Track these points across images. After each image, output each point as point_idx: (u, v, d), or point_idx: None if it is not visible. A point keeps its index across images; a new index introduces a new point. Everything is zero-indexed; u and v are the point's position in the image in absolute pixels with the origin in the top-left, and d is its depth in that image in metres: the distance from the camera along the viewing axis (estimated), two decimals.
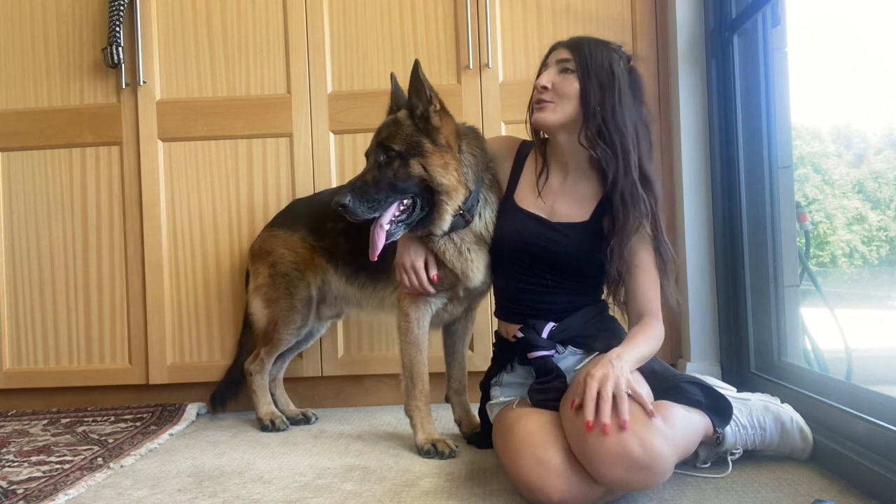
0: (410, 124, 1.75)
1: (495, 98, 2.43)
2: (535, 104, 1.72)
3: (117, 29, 2.47)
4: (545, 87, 1.70)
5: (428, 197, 1.73)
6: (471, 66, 2.46)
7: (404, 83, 2.45)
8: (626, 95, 1.68)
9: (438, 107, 1.77)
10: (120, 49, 2.47)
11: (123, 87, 2.53)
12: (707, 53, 2.33)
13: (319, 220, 2.23)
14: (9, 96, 2.58)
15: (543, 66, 1.75)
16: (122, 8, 2.48)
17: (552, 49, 1.76)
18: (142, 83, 2.51)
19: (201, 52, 2.54)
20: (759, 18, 2.15)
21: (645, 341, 1.60)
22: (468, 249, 1.81)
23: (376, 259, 1.72)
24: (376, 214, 1.70)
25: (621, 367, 1.45)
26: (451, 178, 1.72)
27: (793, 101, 2.18)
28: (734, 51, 2.23)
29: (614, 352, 1.51)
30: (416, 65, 1.76)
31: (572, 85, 1.68)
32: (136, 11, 2.50)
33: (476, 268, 1.83)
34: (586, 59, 1.68)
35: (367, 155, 1.79)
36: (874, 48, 2.55)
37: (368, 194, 1.68)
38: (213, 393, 2.38)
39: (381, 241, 1.70)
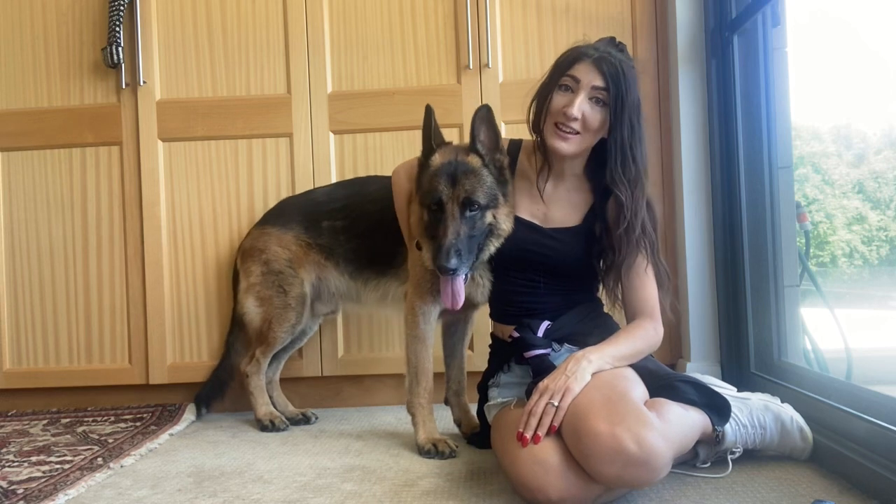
0: (488, 175, 1.72)
1: (495, 98, 2.43)
2: (559, 128, 1.64)
3: (117, 29, 2.47)
4: (576, 118, 1.61)
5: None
6: (471, 66, 2.46)
7: (404, 82, 2.49)
8: (644, 124, 1.67)
9: (509, 160, 1.76)
10: (120, 49, 2.48)
11: (123, 87, 2.53)
12: (707, 53, 2.33)
13: (314, 218, 2.24)
14: (9, 96, 2.58)
15: (570, 78, 1.63)
16: (122, 8, 2.48)
17: (578, 58, 1.63)
18: (142, 83, 2.51)
19: (201, 52, 2.54)
20: (759, 18, 2.15)
21: (629, 340, 1.61)
22: (480, 276, 1.83)
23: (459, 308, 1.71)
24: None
25: (575, 370, 1.48)
26: (510, 224, 1.73)
27: (793, 101, 2.19)
28: (734, 51, 2.22)
29: (582, 352, 1.54)
30: (488, 109, 1.73)
31: (601, 118, 1.63)
32: (136, 11, 2.50)
33: (482, 292, 1.85)
34: (623, 95, 1.60)
35: (440, 201, 1.69)
36: (874, 47, 2.55)
37: (465, 252, 1.66)
38: (198, 393, 2.38)
39: (463, 290, 1.71)
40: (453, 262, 1.62)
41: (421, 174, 1.79)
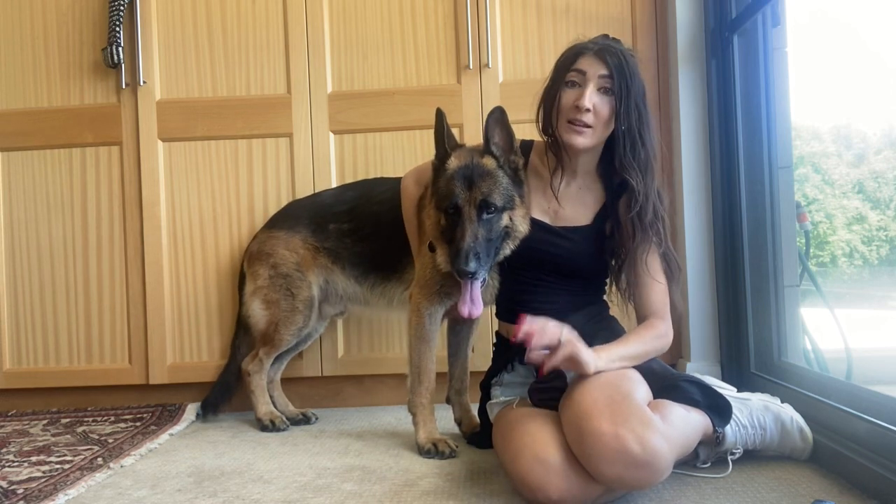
0: (504, 177, 1.71)
1: (495, 98, 2.43)
2: (572, 123, 1.63)
3: (117, 29, 2.47)
4: (588, 110, 1.61)
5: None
6: (471, 66, 2.46)
7: (404, 82, 2.49)
8: (650, 110, 1.67)
9: (524, 160, 1.76)
10: (120, 49, 2.47)
11: (123, 87, 2.53)
12: (707, 53, 2.33)
13: (321, 221, 2.24)
14: (9, 96, 2.58)
15: (576, 72, 1.64)
16: (122, 8, 2.48)
17: (580, 52, 1.65)
18: (142, 83, 2.51)
19: (201, 52, 2.54)
20: (759, 18, 2.15)
21: (638, 341, 1.61)
22: (490, 277, 1.82)
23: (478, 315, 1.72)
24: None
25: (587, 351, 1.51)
26: (527, 226, 1.72)
27: (793, 101, 2.18)
28: (734, 51, 2.22)
29: (594, 349, 1.54)
30: (502, 111, 1.71)
31: (610, 107, 1.64)
32: (136, 11, 2.50)
33: (491, 293, 1.85)
34: (628, 81, 1.61)
35: (457, 205, 1.69)
36: (874, 47, 2.55)
37: (483, 255, 1.65)
38: (206, 398, 2.37)
39: (481, 299, 1.71)
40: (472, 266, 1.62)
41: (437, 178, 1.77)
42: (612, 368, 1.53)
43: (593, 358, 1.50)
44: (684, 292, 2.34)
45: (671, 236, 1.74)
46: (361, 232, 2.19)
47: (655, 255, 1.67)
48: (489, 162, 1.71)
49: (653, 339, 1.63)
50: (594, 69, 1.62)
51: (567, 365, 1.49)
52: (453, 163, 1.74)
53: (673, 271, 1.69)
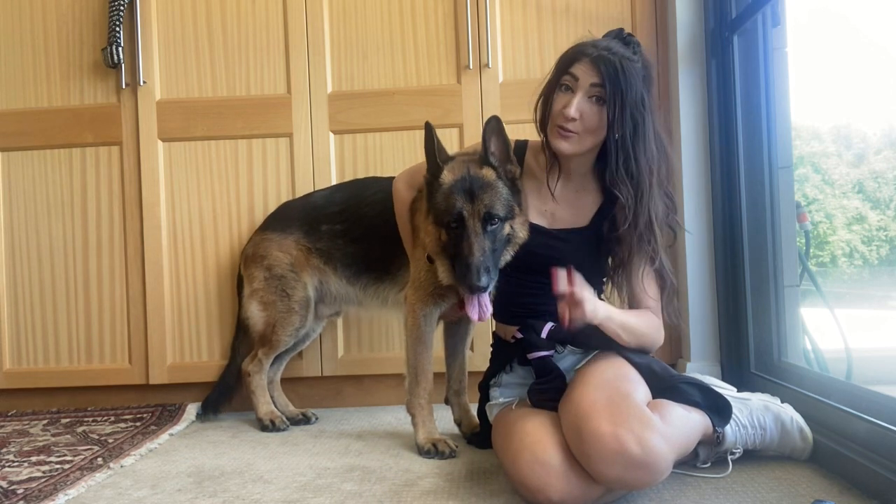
0: (503, 187, 1.69)
1: (495, 98, 2.43)
2: (559, 128, 1.63)
3: (117, 29, 2.47)
4: (573, 118, 1.60)
5: None
6: (471, 66, 2.46)
7: (404, 82, 2.49)
8: (652, 124, 1.64)
9: (521, 170, 1.75)
10: (120, 49, 2.47)
11: (123, 87, 2.53)
12: (707, 53, 2.33)
13: (313, 222, 2.24)
14: (9, 96, 2.58)
15: (569, 75, 1.62)
16: (122, 8, 2.48)
17: (577, 57, 1.62)
18: (142, 83, 2.51)
19: (201, 52, 2.54)
20: (759, 18, 2.15)
21: (637, 317, 1.63)
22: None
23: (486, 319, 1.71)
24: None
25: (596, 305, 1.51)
26: (526, 232, 1.72)
27: (793, 101, 2.18)
28: (734, 51, 2.22)
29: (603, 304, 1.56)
30: (498, 120, 1.69)
31: (601, 117, 1.61)
32: (136, 11, 2.50)
33: (491, 298, 1.84)
34: (623, 91, 1.58)
35: (461, 218, 1.66)
36: (874, 47, 2.55)
37: (492, 267, 1.65)
38: (207, 398, 2.38)
39: (490, 302, 1.70)
40: (484, 281, 1.61)
41: (433, 193, 1.74)
42: (607, 326, 1.54)
43: (594, 305, 1.49)
44: (684, 292, 2.34)
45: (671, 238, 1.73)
46: (353, 233, 2.19)
47: (650, 273, 1.67)
48: (488, 173, 1.70)
49: (647, 323, 1.64)
50: (587, 77, 1.61)
51: (572, 306, 1.47)
52: (448, 176, 1.71)
53: (666, 286, 1.69)
